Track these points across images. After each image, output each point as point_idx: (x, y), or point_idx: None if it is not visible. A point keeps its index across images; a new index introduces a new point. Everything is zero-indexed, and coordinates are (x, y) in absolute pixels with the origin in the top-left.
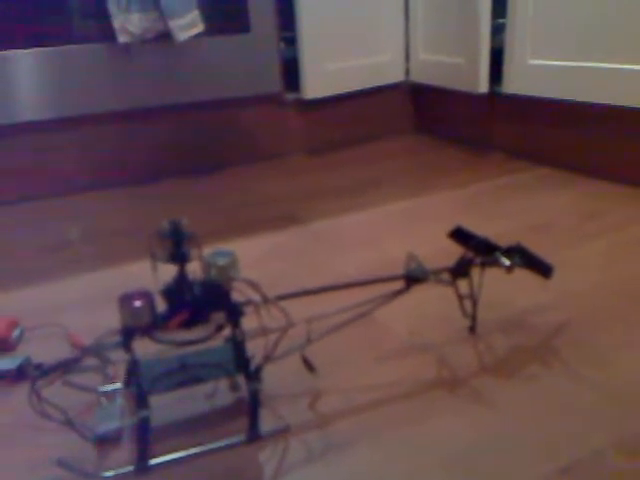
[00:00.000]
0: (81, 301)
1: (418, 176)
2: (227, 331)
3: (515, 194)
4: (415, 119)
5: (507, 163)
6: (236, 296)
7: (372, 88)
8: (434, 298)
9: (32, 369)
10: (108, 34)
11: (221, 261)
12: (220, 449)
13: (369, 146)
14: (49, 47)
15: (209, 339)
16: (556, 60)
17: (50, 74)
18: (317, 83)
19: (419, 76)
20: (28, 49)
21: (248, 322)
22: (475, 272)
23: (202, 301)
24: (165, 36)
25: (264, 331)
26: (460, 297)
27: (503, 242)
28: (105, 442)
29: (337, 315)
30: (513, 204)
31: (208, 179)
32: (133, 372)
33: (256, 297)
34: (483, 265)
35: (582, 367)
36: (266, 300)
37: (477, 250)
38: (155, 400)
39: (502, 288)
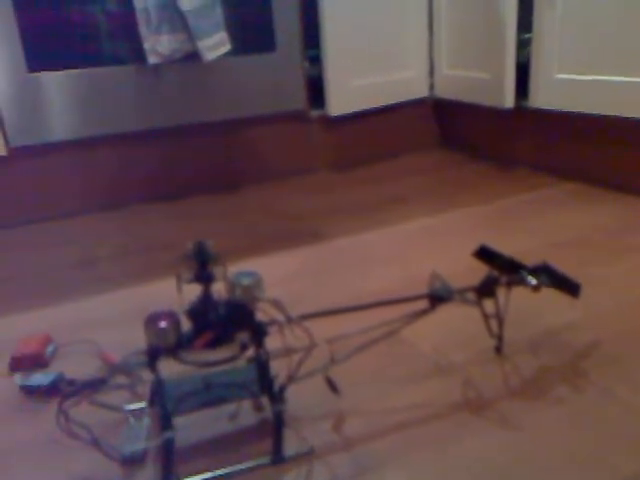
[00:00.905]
0: (112, 318)
1: (442, 192)
2: (251, 351)
3: (541, 210)
4: (439, 135)
5: (532, 178)
6: (260, 316)
7: (396, 104)
8: (460, 317)
9: (65, 385)
10: (138, 55)
11: (246, 281)
12: (245, 471)
13: (393, 162)
14: (81, 69)
15: (233, 360)
16: (583, 74)
17: (81, 95)
18: (341, 100)
19: (443, 91)
20: (60, 71)
21: (272, 342)
22: (501, 291)
23: (227, 321)
24: (193, 56)
25: (288, 351)
26: (486, 317)
27: (528, 259)
28: (131, 462)
29: (361, 335)
30: (539, 220)
31: (233, 196)
32: (157, 392)
33: (280, 317)
34: (509, 284)
35: (612, 388)
36: (290, 320)
37: (502, 269)
38: (180, 420)
39: (529, 307)
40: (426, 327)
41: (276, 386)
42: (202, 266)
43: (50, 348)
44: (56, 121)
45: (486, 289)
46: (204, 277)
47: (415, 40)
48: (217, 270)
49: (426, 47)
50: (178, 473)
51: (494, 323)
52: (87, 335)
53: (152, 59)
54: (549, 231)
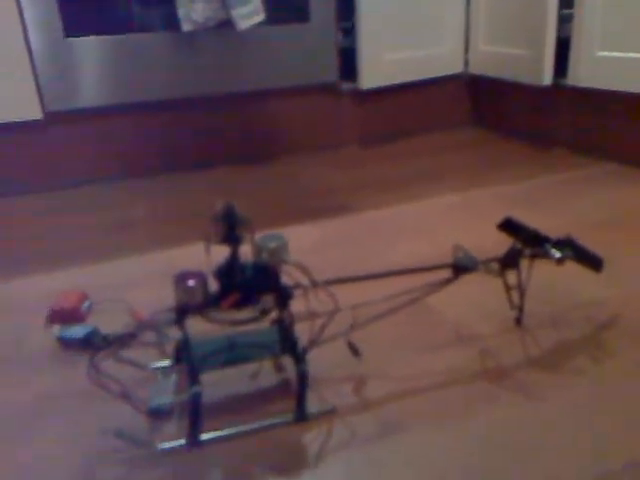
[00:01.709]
0: (143, 279)
1: (474, 170)
2: (275, 314)
3: (575, 190)
4: (472, 112)
5: (569, 158)
6: (285, 279)
7: (429, 79)
8: (482, 289)
9: (98, 339)
10: (172, 23)
11: (272, 244)
12: (268, 427)
13: (424, 139)
14: (115, 35)
15: (259, 319)
16: (626, 52)
17: (114, 62)
18: (374, 73)
19: (478, 68)
20: (96, 36)
21: (296, 306)
22: (525, 264)
23: (252, 283)
24: (226, 25)
25: (311, 315)
26: (508, 288)
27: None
28: (158, 416)
29: (384, 302)
30: (572, 200)
31: (261, 168)
32: (184, 349)
33: (305, 281)
34: (532, 257)
35: (632, 363)
36: (315, 284)
37: (526, 241)
38: (204, 378)
39: (552, 281)
40: (449, 297)
41: (299, 348)
42: (230, 228)
43: (86, 304)
44: (90, 87)
45: (509, 260)
46: (232, 239)
47: (451, 15)
48: (244, 233)
49: (463, 22)
50: (203, 427)
51: (516, 295)
52: (119, 294)
53: (186, 26)
54: (581, 211)
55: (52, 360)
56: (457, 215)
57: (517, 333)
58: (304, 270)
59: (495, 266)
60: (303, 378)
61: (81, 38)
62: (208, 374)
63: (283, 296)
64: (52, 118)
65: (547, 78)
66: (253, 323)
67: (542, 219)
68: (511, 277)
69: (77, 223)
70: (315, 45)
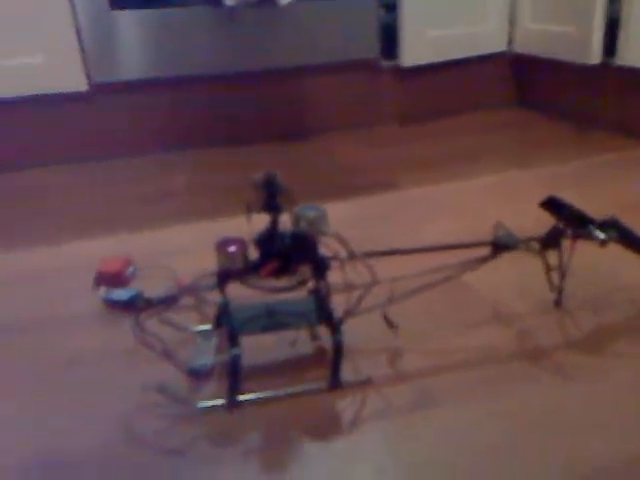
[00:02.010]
0: (186, 247)
1: (516, 150)
2: (312, 284)
3: (623, 172)
4: (515, 91)
5: (615, 140)
6: (324, 250)
7: (472, 57)
8: (522, 269)
9: (141, 302)
10: None
11: (311, 214)
12: (303, 393)
13: (466, 117)
14: (160, 8)
15: (298, 288)
16: None
17: (157, 35)
18: (416, 50)
19: (523, 46)
20: (141, 9)
21: (333, 277)
22: (567, 244)
23: (291, 252)
24: (268, 0)
25: (348, 287)
26: (548, 268)
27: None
28: (198, 376)
29: (421, 276)
30: (616, 183)
31: (299, 145)
32: (224, 313)
33: (343, 253)
34: (575, 237)
35: None
36: (353, 256)
37: (569, 221)
38: (243, 342)
39: (595, 263)
40: (487, 275)
41: (335, 318)
42: (271, 196)
43: (130, 269)
44: (133, 60)
45: (551, 240)
46: (272, 207)
47: None
48: (284, 202)
49: None
50: (241, 389)
51: (556, 276)
52: (162, 261)
53: (228, 1)
54: (627, 194)
55: (97, 320)
56: (497, 195)
57: (556, 314)
58: (342, 241)
59: (536, 245)
60: (338, 347)
61: (126, 11)
62: (246, 339)
63: (320, 267)
64: (96, 90)
65: (595, 57)
66: (291, 292)
67: (585, 201)
68: (552, 257)
69: (120, 193)
70: (356, 21)
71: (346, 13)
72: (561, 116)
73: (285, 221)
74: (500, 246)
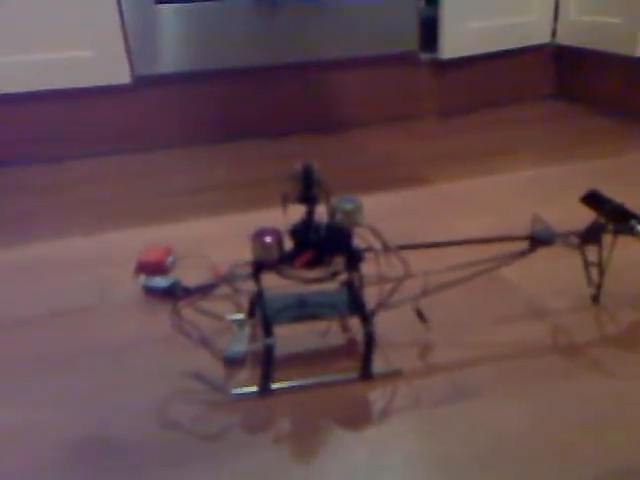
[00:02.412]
0: (223, 238)
1: (556, 144)
2: (345, 275)
3: None
4: (558, 84)
5: None
6: (358, 242)
7: (513, 49)
8: (560, 264)
9: (180, 290)
10: None
11: (347, 206)
12: (334, 383)
13: (505, 111)
14: (201, 2)
15: (330, 279)
16: None
17: (199, 29)
18: (455, 42)
19: (567, 38)
20: (185, 3)
21: (367, 269)
22: (607, 240)
23: (325, 243)
24: None
25: (381, 279)
26: (587, 264)
27: None
28: (232, 363)
29: (456, 270)
30: None
31: (335, 137)
32: (258, 303)
33: (377, 245)
34: (616, 233)
35: None
36: (387, 248)
37: (611, 216)
38: (276, 332)
39: (637, 260)
40: (524, 270)
41: (367, 310)
42: (307, 188)
43: (170, 258)
44: (176, 53)
45: (591, 235)
46: (308, 198)
47: None
48: (321, 193)
49: None
50: (274, 377)
51: (595, 272)
52: (201, 251)
53: None
54: None
55: (138, 308)
56: (536, 190)
57: (593, 311)
58: (377, 234)
59: (575, 240)
60: (369, 339)
61: (170, 5)
62: (280, 328)
63: (354, 258)
64: (139, 82)
65: None
66: (324, 283)
67: (628, 197)
68: (592, 253)
69: (160, 184)
70: (397, 13)
71: (386, 6)
72: (604, 109)
73: (321, 212)
74: (538, 240)
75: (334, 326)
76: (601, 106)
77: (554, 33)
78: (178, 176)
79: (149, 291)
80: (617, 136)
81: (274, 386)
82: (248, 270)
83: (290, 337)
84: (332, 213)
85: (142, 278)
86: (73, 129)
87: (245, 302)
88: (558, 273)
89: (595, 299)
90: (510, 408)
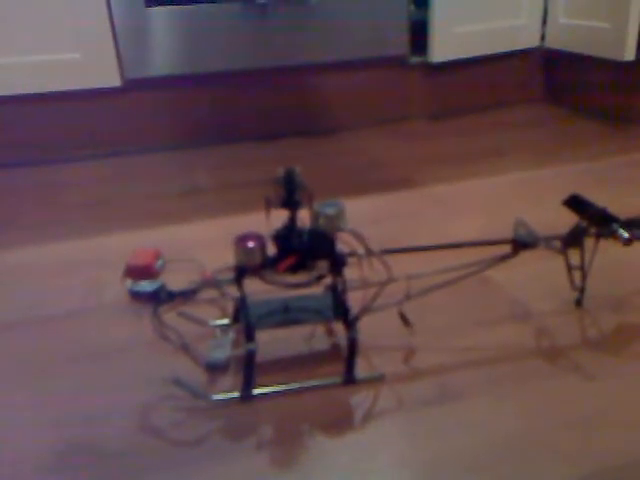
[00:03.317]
0: (214, 241)
1: (545, 147)
2: (329, 280)
3: None
4: (546, 88)
5: None
6: (341, 247)
7: (502, 53)
8: (543, 267)
9: (165, 294)
10: None
11: (329, 211)
12: (317, 388)
13: (495, 113)
14: (193, 5)
15: (313, 284)
16: None
17: (189, 31)
18: (445, 46)
19: (555, 42)
20: (174, 6)
21: (350, 273)
22: (589, 243)
23: (308, 248)
24: None
25: (365, 283)
26: (569, 267)
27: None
28: (214, 369)
29: (439, 274)
30: None
31: (326, 140)
32: (241, 308)
33: (360, 250)
34: (598, 236)
35: None
36: (370, 253)
37: (593, 220)
38: (260, 337)
39: (619, 263)
40: (508, 273)
41: (351, 314)
42: (290, 193)
43: (159, 262)
44: (166, 56)
45: (573, 239)
46: (291, 203)
47: None
48: (303, 198)
49: None
50: (256, 383)
51: (578, 275)
52: (191, 254)
53: None
54: None
55: (124, 311)
56: (523, 193)
57: (576, 314)
58: (360, 238)
59: (557, 244)
60: (352, 344)
61: (160, 8)
62: (265, 333)
63: (337, 263)
64: (129, 85)
65: (629, 53)
66: (308, 288)
67: (614, 199)
68: (575, 256)
69: (150, 187)
70: (387, 17)
71: (376, 9)
72: (592, 113)
73: (305, 217)
74: (520, 244)
75: (319, 330)
76: (589, 110)
77: (543, 37)
78: (168, 178)
79: (135, 295)
80: (604, 139)
81: (256, 392)
82: (230, 275)
83: (275, 342)
84: (315, 218)
85: (128, 282)
86: (62, 132)
87: (231, 307)
88: (543, 275)
89: (578, 302)
90: (494, 411)
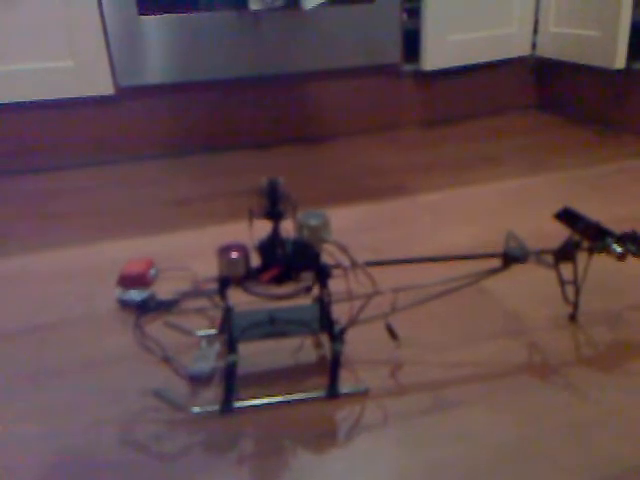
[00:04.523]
0: (206, 251)
1: (536, 155)
2: (314, 291)
3: None
4: (538, 96)
5: (638, 145)
6: (326, 258)
7: (494, 61)
8: (536, 280)
9: (154, 303)
10: (239, 2)
11: (313, 222)
12: (300, 401)
13: (486, 122)
14: (187, 13)
15: (296, 295)
16: None
17: (183, 40)
18: (437, 54)
19: (546, 50)
20: (168, 14)
21: (337, 285)
22: (582, 257)
23: (292, 259)
24: (292, 4)
25: (351, 295)
26: (562, 282)
27: (620, 229)
28: (198, 381)
29: (428, 287)
30: (639, 190)
31: (318, 148)
32: (226, 319)
33: (346, 261)
34: (591, 251)
35: None
36: (354, 265)
37: (585, 234)
38: (246, 348)
39: (613, 278)
40: (502, 284)
41: (337, 327)
42: (273, 203)
43: (152, 271)
44: (160, 64)
45: (565, 253)
46: (274, 214)
47: None
48: (287, 209)
49: (532, 3)
50: (239, 395)
51: (571, 290)
52: (184, 263)
53: (254, 5)
54: None
55: (114, 320)
56: (515, 200)
57: (570, 329)
58: (344, 250)
59: (548, 258)
60: (336, 357)
61: (153, 16)
62: (253, 345)
63: (322, 275)
64: (122, 93)
65: (620, 61)
66: (291, 299)
67: (606, 208)
68: (567, 270)
69: (143, 196)
70: (379, 26)
71: (369, 18)
72: (583, 121)
73: (291, 228)
74: (511, 258)
75: (307, 342)
76: (580, 118)
77: (534, 46)
78: (161, 187)
79: (124, 304)
80: (595, 147)
81: (238, 404)
82: (212, 286)
83: (261, 353)
84: (299, 229)
85: (118, 291)
86: (56, 140)
87: (218, 317)
88: (536, 285)
89: (572, 317)
90: (482, 425)
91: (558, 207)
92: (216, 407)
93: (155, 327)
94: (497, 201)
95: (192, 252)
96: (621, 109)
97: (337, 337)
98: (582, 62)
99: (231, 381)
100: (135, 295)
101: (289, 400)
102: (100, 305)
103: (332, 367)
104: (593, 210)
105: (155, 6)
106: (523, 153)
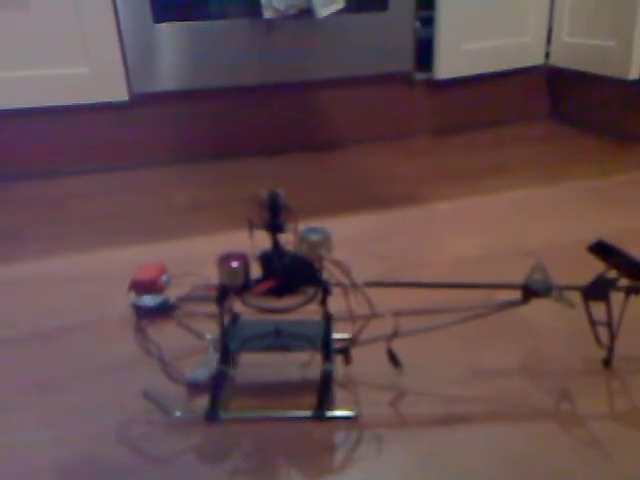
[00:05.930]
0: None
1: (548, 164)
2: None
3: None
4: (550, 105)
5: None
6: (327, 275)
7: (506, 70)
8: (569, 314)
9: (170, 308)
10: (254, 10)
11: (313, 237)
12: (286, 419)
13: (498, 131)
14: (201, 21)
15: (291, 310)
16: None
17: (197, 47)
18: (450, 63)
19: (560, 60)
20: (182, 22)
21: (337, 303)
22: (617, 296)
23: (290, 272)
24: (306, 13)
25: (352, 315)
26: (593, 322)
27: (632, 240)
28: (193, 387)
29: (437, 314)
30: None
31: (329, 155)
32: (221, 328)
33: (347, 280)
34: (629, 292)
35: None
36: (353, 285)
37: (623, 271)
38: (247, 358)
39: None
40: (524, 313)
41: (332, 346)
42: (273, 216)
43: (164, 277)
44: (174, 71)
45: (596, 290)
46: (274, 227)
47: (535, 4)
48: (288, 222)
49: (546, 12)
50: (229, 406)
51: (604, 331)
52: (196, 270)
53: (267, 14)
54: None
55: (127, 326)
56: (526, 210)
57: (603, 376)
58: (343, 269)
59: (576, 296)
60: (325, 377)
61: (168, 23)
62: (258, 355)
63: (322, 291)
64: (137, 99)
65: (634, 71)
66: (283, 313)
67: (619, 220)
68: (598, 309)
69: (155, 202)
70: (392, 34)
71: (382, 26)
72: (596, 131)
73: (289, 241)
74: (531, 292)
75: (317, 358)
76: (593, 127)
77: (547, 55)
78: (175, 193)
79: (138, 310)
80: (609, 157)
81: (223, 415)
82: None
83: (266, 365)
84: (300, 243)
85: (132, 296)
86: (70, 145)
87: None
88: (568, 321)
89: (606, 363)
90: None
91: (570, 218)
92: (199, 414)
93: (163, 330)
94: (508, 211)
95: (203, 258)
96: (635, 120)
97: (329, 356)
98: (596, 72)
99: (217, 390)
100: (150, 300)
101: (275, 417)
102: (111, 310)
103: (321, 388)
104: (605, 222)
105: (170, 14)
106: (535, 163)
